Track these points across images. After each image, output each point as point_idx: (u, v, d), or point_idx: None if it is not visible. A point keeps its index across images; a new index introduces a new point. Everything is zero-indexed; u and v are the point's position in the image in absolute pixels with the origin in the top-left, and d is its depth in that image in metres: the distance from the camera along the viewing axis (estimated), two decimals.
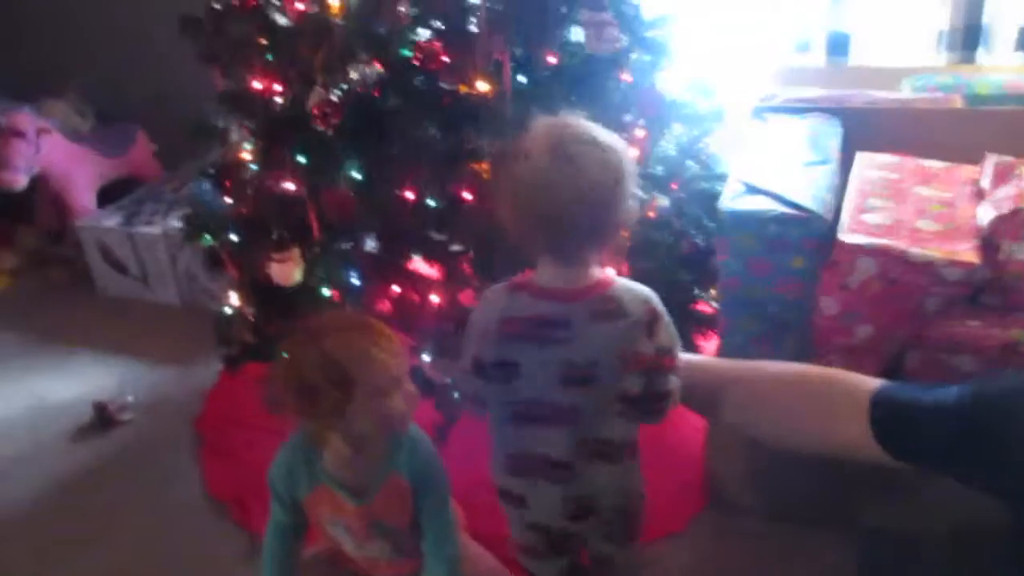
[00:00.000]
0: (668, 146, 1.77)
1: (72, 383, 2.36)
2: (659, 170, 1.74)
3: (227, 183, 1.84)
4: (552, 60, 1.55)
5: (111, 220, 2.76)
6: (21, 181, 2.73)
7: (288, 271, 1.62)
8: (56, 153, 2.83)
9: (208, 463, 2.00)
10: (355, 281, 1.63)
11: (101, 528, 1.86)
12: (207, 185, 2.62)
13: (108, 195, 2.99)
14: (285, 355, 1.18)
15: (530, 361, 1.13)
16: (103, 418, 2.15)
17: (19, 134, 2.70)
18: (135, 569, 1.76)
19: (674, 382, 1.16)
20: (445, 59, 1.49)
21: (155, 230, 2.65)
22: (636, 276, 1.60)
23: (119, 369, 2.41)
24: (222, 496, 1.89)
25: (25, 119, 2.74)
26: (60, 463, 2.06)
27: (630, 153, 1.12)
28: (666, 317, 1.14)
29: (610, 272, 1.18)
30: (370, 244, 1.66)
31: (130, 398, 2.22)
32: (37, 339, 2.60)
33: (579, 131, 1.08)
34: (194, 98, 3.11)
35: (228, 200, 1.86)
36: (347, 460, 1.26)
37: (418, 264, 1.67)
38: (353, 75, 1.47)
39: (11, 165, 2.70)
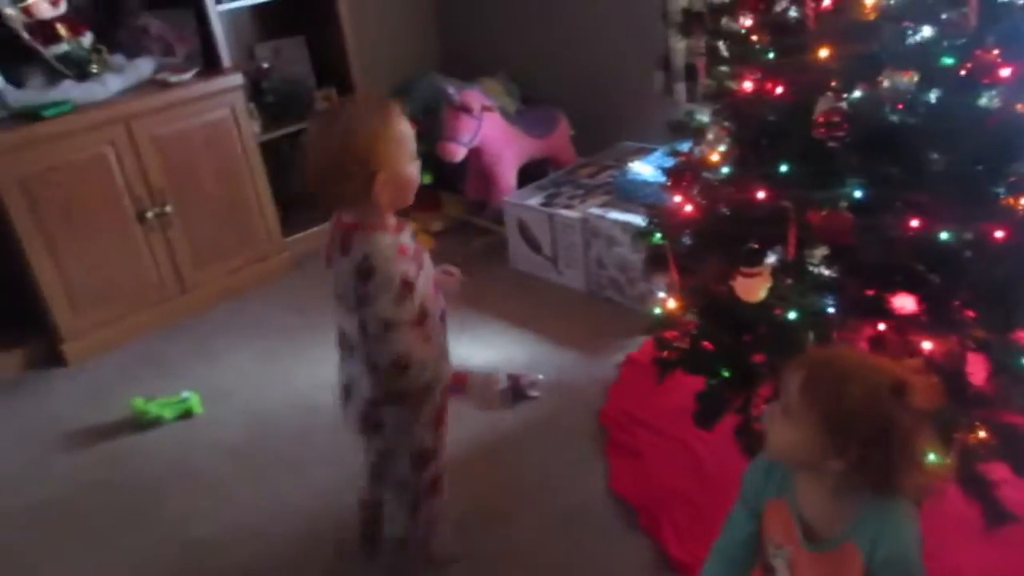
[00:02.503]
0: None
1: (485, 350, 2.50)
2: None
3: (684, 182, 1.77)
4: None
5: (533, 199, 2.88)
6: (462, 153, 2.95)
7: (755, 287, 1.50)
8: (493, 130, 3.01)
9: (614, 459, 1.97)
10: (829, 310, 1.47)
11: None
12: (637, 179, 2.64)
13: (522, 175, 3.14)
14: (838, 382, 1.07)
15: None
16: (515, 390, 2.24)
17: (467, 110, 2.92)
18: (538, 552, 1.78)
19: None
20: (1005, 71, 1.26)
21: (573, 214, 2.71)
22: None
23: (528, 345, 2.50)
24: (626, 495, 1.85)
25: (475, 96, 2.95)
26: (471, 428, 2.15)
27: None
28: (381, 275, 1.34)
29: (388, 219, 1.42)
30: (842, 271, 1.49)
31: (541, 376, 2.28)
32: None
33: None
34: (616, 88, 3.20)
35: (678, 199, 1.79)
36: (816, 496, 1.17)
37: (901, 302, 1.47)
38: (884, 83, 1.30)
39: (457, 138, 2.93)
